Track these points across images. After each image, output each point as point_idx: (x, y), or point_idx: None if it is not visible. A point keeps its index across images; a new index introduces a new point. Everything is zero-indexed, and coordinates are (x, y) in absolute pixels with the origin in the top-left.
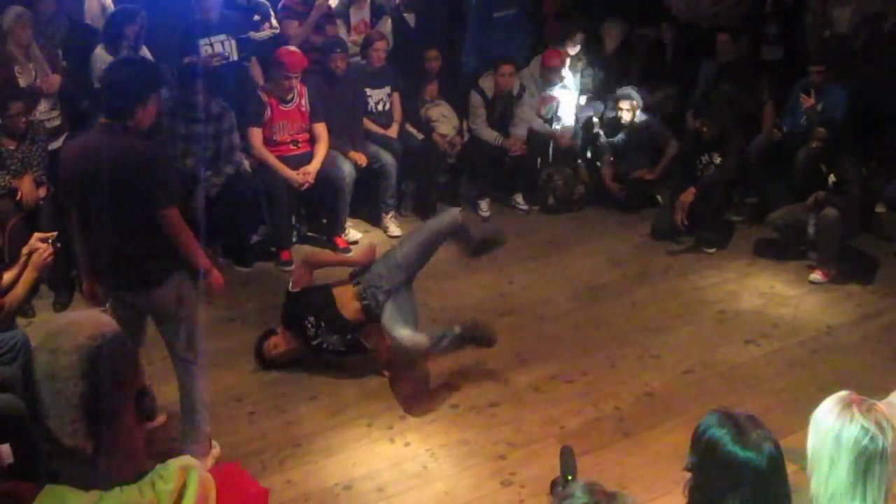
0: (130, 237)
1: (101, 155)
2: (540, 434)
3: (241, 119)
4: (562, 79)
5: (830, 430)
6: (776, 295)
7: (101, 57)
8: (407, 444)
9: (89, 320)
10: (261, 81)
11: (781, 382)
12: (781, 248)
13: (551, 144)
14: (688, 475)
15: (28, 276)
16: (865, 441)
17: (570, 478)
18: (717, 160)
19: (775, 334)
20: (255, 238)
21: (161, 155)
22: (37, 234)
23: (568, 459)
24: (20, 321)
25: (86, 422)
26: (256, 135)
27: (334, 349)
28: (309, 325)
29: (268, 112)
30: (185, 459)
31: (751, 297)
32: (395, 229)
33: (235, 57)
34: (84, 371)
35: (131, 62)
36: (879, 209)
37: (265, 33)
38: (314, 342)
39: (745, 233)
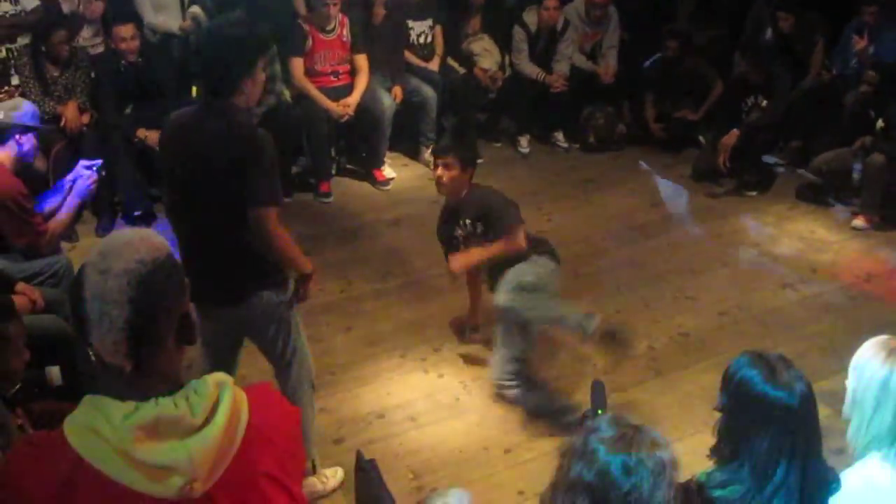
0: (215, 243)
1: (197, 139)
2: (571, 370)
3: (282, 48)
4: (607, 15)
5: (876, 373)
6: (816, 240)
7: None
8: (440, 376)
9: (143, 243)
10: (302, 11)
11: (817, 327)
12: (824, 194)
13: (594, 82)
14: (718, 415)
15: (71, 202)
16: None
17: (599, 412)
18: (763, 103)
19: (813, 279)
20: (294, 169)
21: (265, 144)
22: (82, 162)
23: (599, 394)
24: (64, 245)
25: (128, 344)
26: (297, 65)
27: None
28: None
29: (309, 42)
30: (220, 376)
31: (790, 242)
32: None
33: None
34: (131, 297)
35: (224, 28)
36: None
37: None
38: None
39: (788, 176)
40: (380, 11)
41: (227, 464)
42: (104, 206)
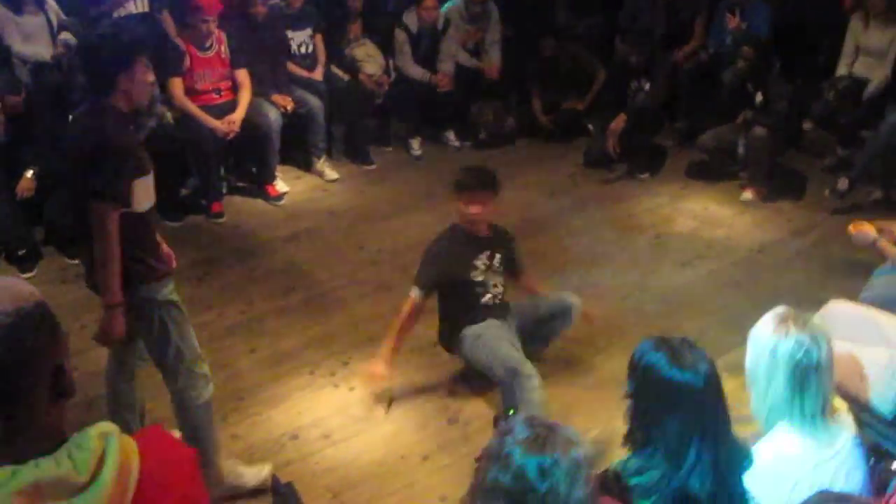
0: (86, 235)
1: (70, 135)
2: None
3: (160, 70)
4: (487, 11)
5: (766, 345)
6: (709, 216)
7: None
8: (351, 390)
9: (5, 292)
10: (172, 31)
11: (718, 302)
12: (713, 170)
13: (480, 79)
14: (628, 402)
15: None
16: (800, 354)
17: (511, 412)
18: (647, 86)
19: (710, 255)
20: (183, 191)
21: (116, 140)
22: None
23: (510, 396)
24: None
25: None
26: (177, 85)
27: None
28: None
29: (187, 60)
30: (104, 426)
31: (685, 220)
32: (330, 173)
33: (146, 9)
34: None
35: (103, 28)
36: (807, 126)
37: None
38: None
39: (676, 157)
40: (261, 9)
41: None
42: None
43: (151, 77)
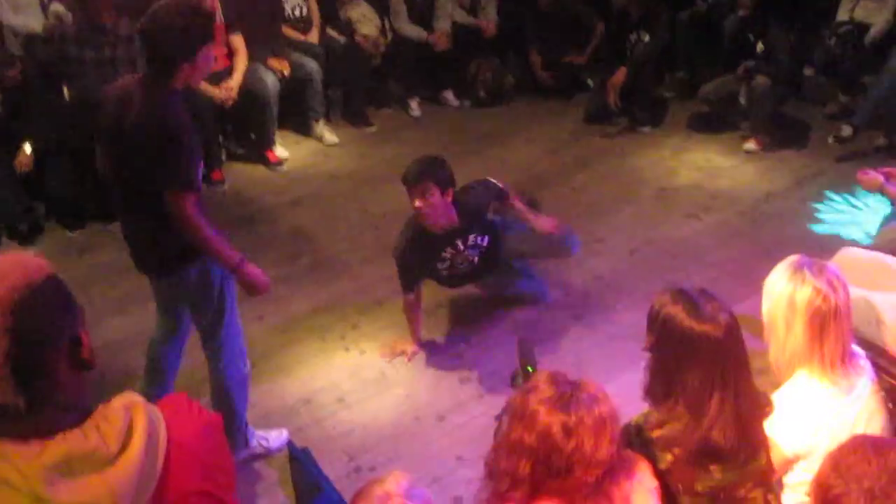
0: (139, 216)
1: (128, 111)
2: (493, 328)
3: None
4: None
5: (783, 293)
6: (713, 168)
7: None
8: (362, 353)
9: (14, 267)
10: None
11: (725, 253)
12: (715, 121)
13: (477, 37)
14: (642, 352)
15: None
16: (818, 301)
17: (530, 369)
18: (646, 37)
19: (715, 206)
20: None
21: (184, 132)
22: None
23: (527, 351)
24: None
25: (14, 378)
26: None
27: None
28: None
29: None
30: (129, 396)
31: (688, 172)
32: (330, 136)
33: None
34: (7, 326)
35: (172, 9)
36: (808, 72)
37: None
38: None
39: (678, 108)
40: None
41: (152, 490)
42: None
43: (213, 60)
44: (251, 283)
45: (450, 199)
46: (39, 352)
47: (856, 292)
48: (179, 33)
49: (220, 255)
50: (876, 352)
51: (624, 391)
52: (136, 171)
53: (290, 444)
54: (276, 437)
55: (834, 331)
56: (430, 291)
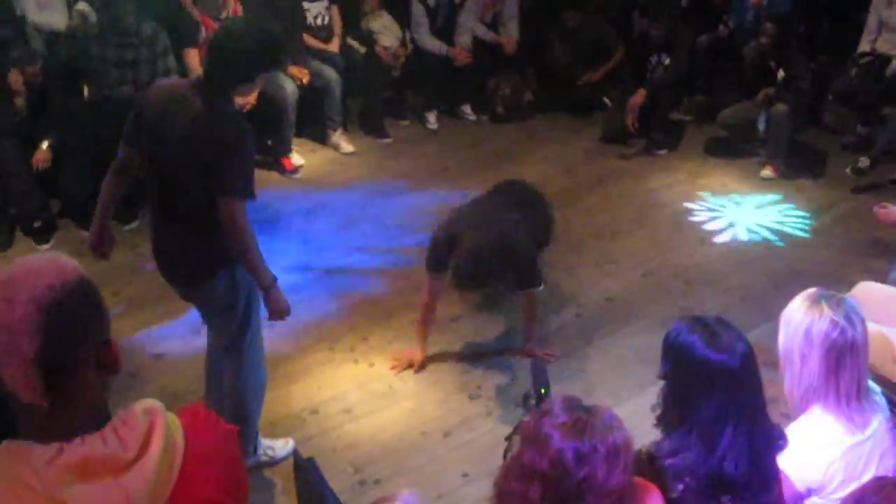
0: (177, 222)
1: (184, 113)
2: (503, 345)
3: (175, 41)
4: None
5: (800, 325)
6: (728, 193)
7: None
8: (371, 365)
9: (50, 267)
10: (189, 4)
11: (738, 280)
12: (732, 147)
13: (497, 52)
14: (652, 376)
15: None
16: (835, 334)
17: (543, 391)
18: (667, 61)
19: (729, 232)
20: None
21: (244, 143)
22: None
23: (540, 372)
24: None
25: (42, 378)
26: (193, 56)
27: None
28: None
29: (202, 31)
30: (149, 402)
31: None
32: (346, 146)
33: None
34: (40, 325)
35: (244, 31)
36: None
37: None
38: None
39: (695, 132)
40: None
41: (167, 496)
42: None
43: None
44: (276, 306)
45: None
46: (70, 353)
47: (872, 328)
48: (250, 58)
49: (256, 269)
50: (892, 388)
51: (633, 415)
52: (190, 174)
53: (295, 453)
54: (282, 447)
55: (850, 365)
56: (444, 305)
